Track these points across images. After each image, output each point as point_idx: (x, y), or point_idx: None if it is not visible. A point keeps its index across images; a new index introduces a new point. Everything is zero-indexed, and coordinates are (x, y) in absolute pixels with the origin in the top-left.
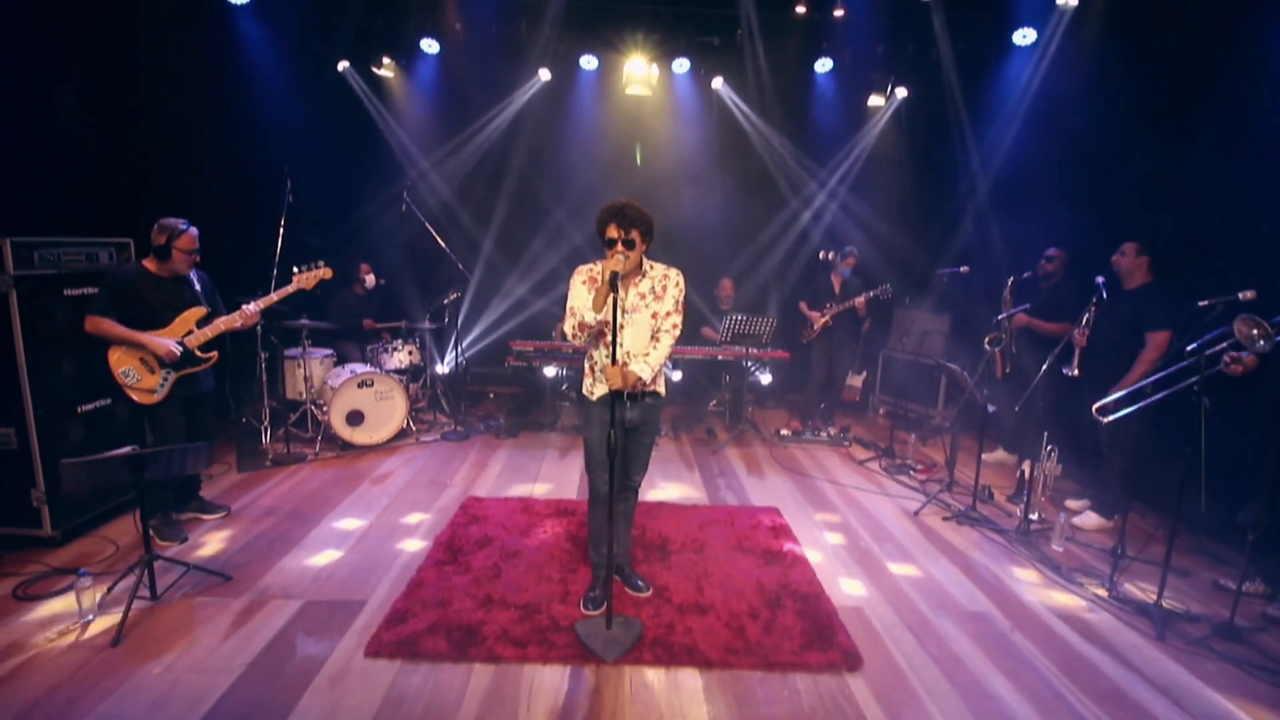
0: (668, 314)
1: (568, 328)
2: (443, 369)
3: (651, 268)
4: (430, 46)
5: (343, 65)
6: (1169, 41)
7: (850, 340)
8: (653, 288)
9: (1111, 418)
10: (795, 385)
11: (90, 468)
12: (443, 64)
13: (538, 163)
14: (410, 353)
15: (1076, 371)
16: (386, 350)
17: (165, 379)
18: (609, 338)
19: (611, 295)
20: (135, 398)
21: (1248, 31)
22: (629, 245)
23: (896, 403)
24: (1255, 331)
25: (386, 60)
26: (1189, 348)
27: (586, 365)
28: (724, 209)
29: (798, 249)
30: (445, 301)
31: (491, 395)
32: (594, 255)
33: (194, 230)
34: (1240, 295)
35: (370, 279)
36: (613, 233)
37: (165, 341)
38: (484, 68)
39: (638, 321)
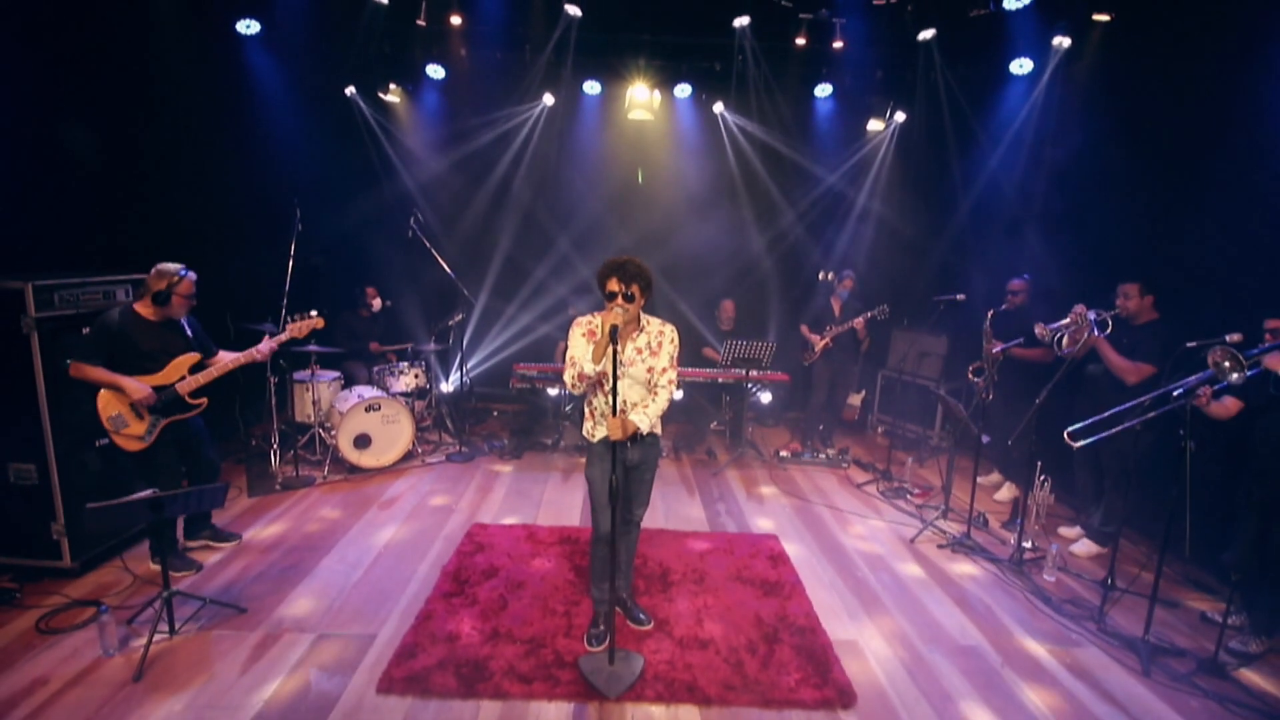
0: (664, 369)
1: (568, 377)
2: (447, 387)
3: (648, 323)
4: (436, 72)
5: (349, 90)
6: (1158, 80)
7: (850, 361)
8: (649, 343)
9: (1081, 443)
10: (795, 403)
11: (113, 511)
12: (448, 89)
13: (541, 186)
14: (416, 375)
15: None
16: (393, 373)
17: (154, 425)
18: (607, 386)
19: (611, 348)
20: (122, 444)
21: (1235, 75)
22: (629, 299)
23: (895, 422)
24: (1228, 364)
25: (393, 86)
26: (1175, 392)
27: (586, 409)
28: (725, 231)
29: (798, 271)
30: (450, 323)
31: (495, 413)
32: (589, 272)
33: (193, 275)
34: (1227, 338)
35: (376, 303)
36: (614, 286)
37: (141, 385)
38: (489, 93)
39: (634, 374)
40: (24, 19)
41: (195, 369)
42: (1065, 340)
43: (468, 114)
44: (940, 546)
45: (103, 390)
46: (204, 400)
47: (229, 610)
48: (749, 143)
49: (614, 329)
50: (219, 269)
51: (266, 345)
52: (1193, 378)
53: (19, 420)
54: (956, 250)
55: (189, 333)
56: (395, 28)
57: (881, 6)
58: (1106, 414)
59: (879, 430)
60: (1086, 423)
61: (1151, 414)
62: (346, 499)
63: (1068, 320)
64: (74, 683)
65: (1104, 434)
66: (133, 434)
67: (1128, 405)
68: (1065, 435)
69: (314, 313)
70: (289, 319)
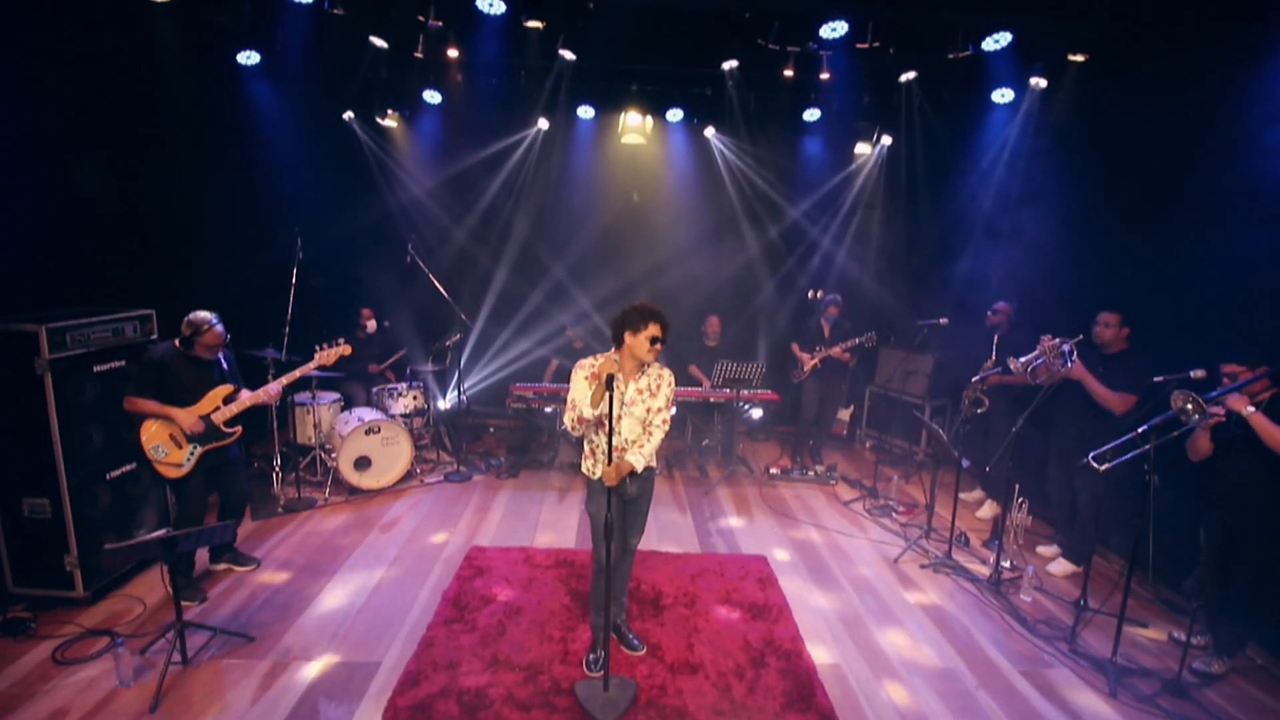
0: (659, 410)
1: (568, 420)
2: (444, 405)
3: (649, 366)
4: (433, 97)
5: (348, 116)
6: (1131, 122)
7: (838, 379)
8: (649, 384)
9: (1107, 466)
10: (786, 418)
11: (129, 550)
12: (445, 114)
13: (536, 209)
14: (415, 397)
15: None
16: (391, 395)
17: (192, 454)
18: (606, 426)
19: (607, 395)
20: (163, 472)
21: (1204, 116)
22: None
23: (882, 437)
24: (1190, 405)
25: (390, 111)
26: (1139, 430)
27: (587, 446)
28: (716, 251)
29: (788, 290)
30: (448, 343)
31: (492, 429)
32: (582, 295)
33: (220, 328)
34: (1191, 373)
35: (371, 325)
36: (656, 331)
37: (189, 415)
38: (485, 117)
39: (634, 414)
40: (30, 59)
41: (228, 400)
42: (1039, 371)
43: (464, 138)
44: (923, 566)
45: (146, 423)
46: (239, 429)
47: (238, 639)
48: (740, 166)
49: (610, 378)
50: (221, 296)
51: (299, 371)
52: (1157, 418)
53: (33, 457)
54: (943, 274)
55: (225, 367)
56: (393, 57)
57: (865, 48)
58: (1123, 439)
59: (867, 445)
60: (1108, 447)
61: (1165, 437)
62: (348, 521)
63: (1036, 352)
64: (92, 714)
65: (1125, 456)
66: (172, 461)
67: (1140, 429)
68: (1089, 459)
69: (341, 340)
70: (316, 348)
